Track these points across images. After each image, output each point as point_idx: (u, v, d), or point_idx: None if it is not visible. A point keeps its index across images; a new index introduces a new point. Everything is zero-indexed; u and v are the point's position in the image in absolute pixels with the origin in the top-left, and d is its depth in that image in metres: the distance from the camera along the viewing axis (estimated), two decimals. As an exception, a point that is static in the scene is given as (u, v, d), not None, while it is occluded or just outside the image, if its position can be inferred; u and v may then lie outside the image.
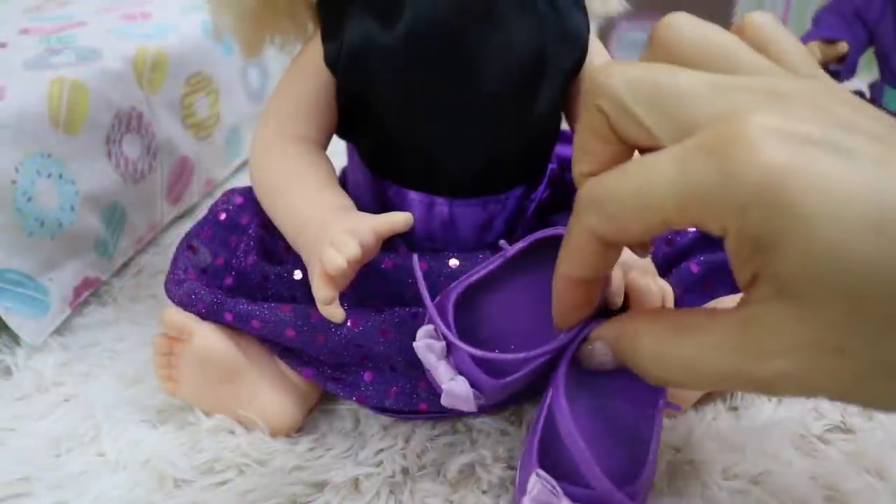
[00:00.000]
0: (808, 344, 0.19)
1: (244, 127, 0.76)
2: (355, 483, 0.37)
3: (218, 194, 0.59)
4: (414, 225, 0.37)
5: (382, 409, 0.40)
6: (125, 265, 0.58)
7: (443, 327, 0.31)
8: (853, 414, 0.40)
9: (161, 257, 0.60)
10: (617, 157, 0.24)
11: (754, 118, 0.19)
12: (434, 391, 0.39)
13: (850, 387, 0.19)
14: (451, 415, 0.40)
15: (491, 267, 0.35)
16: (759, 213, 0.18)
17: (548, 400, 0.32)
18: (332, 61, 0.40)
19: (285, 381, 0.40)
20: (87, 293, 0.53)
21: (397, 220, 0.36)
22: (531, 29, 0.39)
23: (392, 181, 0.43)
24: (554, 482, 0.29)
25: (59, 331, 0.49)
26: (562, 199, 0.46)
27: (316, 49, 0.40)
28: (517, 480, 0.33)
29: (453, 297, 0.33)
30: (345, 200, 0.40)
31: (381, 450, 0.39)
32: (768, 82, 0.21)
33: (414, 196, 0.42)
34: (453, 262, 0.39)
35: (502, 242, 0.35)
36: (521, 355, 0.30)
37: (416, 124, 0.40)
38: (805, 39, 0.77)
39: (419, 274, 0.34)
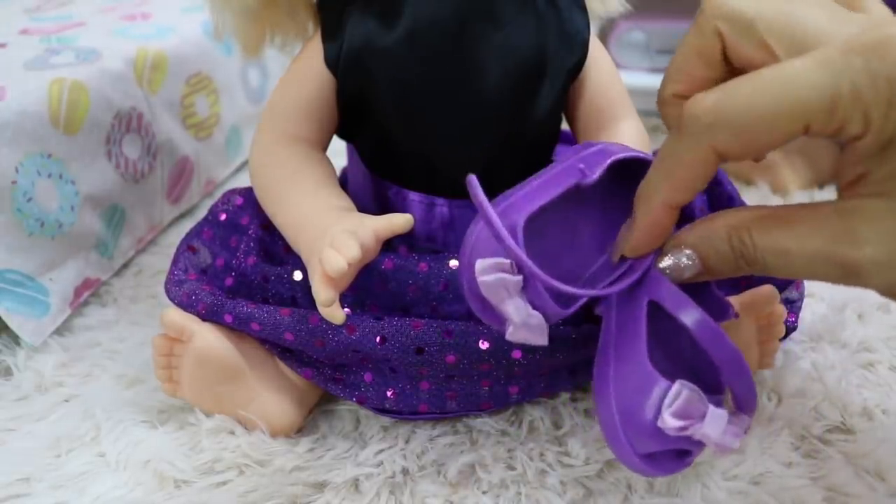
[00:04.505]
0: None
1: (244, 127, 0.76)
2: (355, 483, 0.37)
3: (218, 194, 0.59)
4: (414, 226, 0.37)
5: (382, 410, 0.40)
6: (125, 265, 0.58)
7: (526, 261, 0.27)
8: (853, 414, 0.41)
9: (161, 257, 0.60)
10: (710, 83, 0.24)
11: None
12: (434, 392, 0.39)
13: None
14: (451, 415, 0.40)
15: (560, 190, 0.30)
16: None
17: (642, 311, 0.28)
18: (332, 62, 0.40)
19: (285, 382, 0.40)
20: (88, 293, 0.53)
21: (398, 222, 0.36)
22: (531, 29, 0.39)
23: (392, 181, 0.43)
24: (699, 389, 0.26)
25: (60, 331, 0.49)
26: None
27: (316, 49, 0.40)
28: (612, 411, 0.28)
29: (521, 221, 0.28)
30: (345, 201, 0.40)
31: (382, 450, 0.39)
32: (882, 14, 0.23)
33: (414, 197, 0.42)
34: (453, 263, 0.39)
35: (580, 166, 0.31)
36: (609, 290, 0.29)
37: (416, 125, 0.40)
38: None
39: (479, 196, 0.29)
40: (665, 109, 0.28)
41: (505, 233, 0.27)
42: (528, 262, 0.27)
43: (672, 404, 0.26)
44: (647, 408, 0.27)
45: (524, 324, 0.28)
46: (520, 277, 0.28)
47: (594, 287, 0.30)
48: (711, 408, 0.26)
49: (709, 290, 0.30)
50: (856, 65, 0.20)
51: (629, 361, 0.28)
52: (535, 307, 0.28)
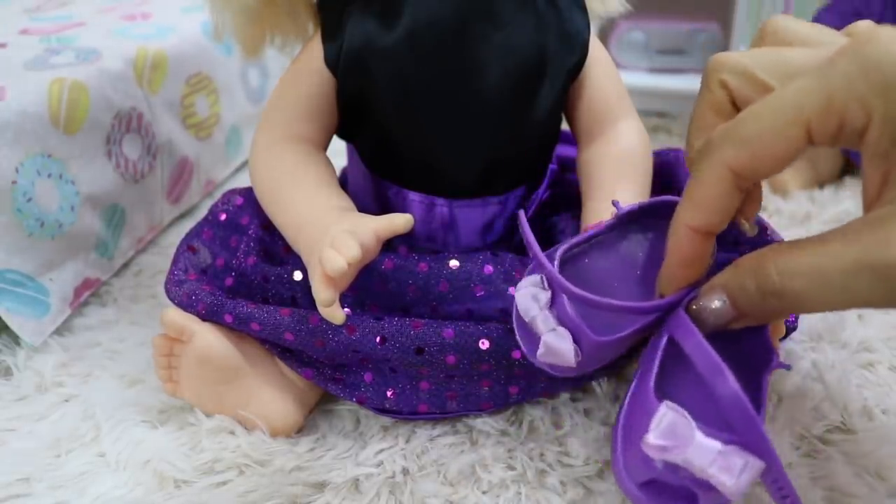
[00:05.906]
0: None
1: (244, 127, 0.76)
2: (355, 483, 0.37)
3: (218, 194, 0.59)
4: (414, 226, 0.37)
5: (382, 410, 0.40)
6: (125, 265, 0.58)
7: (551, 269, 0.29)
8: (853, 414, 0.40)
9: (161, 257, 0.60)
10: None
11: (882, 29, 0.22)
12: (434, 392, 0.39)
13: None
14: (451, 415, 0.40)
15: (598, 229, 0.33)
16: None
17: (660, 344, 0.29)
18: (332, 62, 0.40)
19: (285, 382, 0.40)
20: (88, 293, 0.53)
21: (398, 222, 0.36)
22: (531, 29, 0.39)
23: (392, 181, 0.43)
24: (686, 413, 0.26)
25: (60, 331, 0.49)
26: (562, 199, 0.46)
27: (316, 49, 0.40)
28: (617, 437, 0.29)
29: (559, 251, 0.31)
30: (345, 201, 0.40)
31: (382, 450, 0.39)
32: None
33: (414, 197, 0.42)
34: (453, 263, 0.39)
35: (615, 201, 0.33)
36: (631, 304, 0.28)
37: (416, 125, 0.40)
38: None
39: (525, 225, 0.32)
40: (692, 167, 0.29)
41: (532, 239, 0.29)
42: (548, 264, 0.29)
43: (658, 426, 0.26)
44: (642, 431, 0.27)
45: (552, 340, 0.29)
46: (549, 292, 0.30)
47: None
48: (699, 434, 0.25)
49: (755, 337, 0.30)
50: (842, 63, 0.22)
51: (640, 393, 0.28)
52: (562, 324, 0.29)
